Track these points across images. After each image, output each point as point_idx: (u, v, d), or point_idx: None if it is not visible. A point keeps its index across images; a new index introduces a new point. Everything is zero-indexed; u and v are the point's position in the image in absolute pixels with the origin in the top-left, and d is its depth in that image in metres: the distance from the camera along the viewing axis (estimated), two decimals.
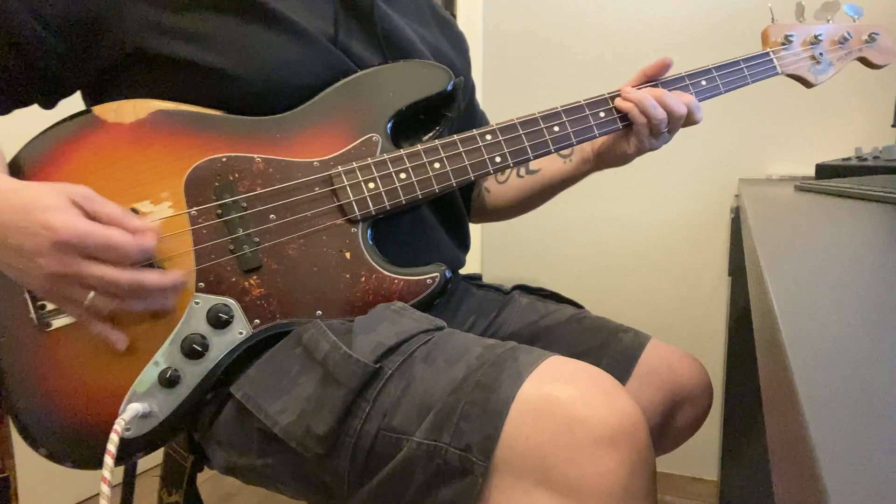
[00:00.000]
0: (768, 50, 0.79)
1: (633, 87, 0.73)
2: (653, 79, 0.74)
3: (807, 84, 0.81)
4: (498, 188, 0.90)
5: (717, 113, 1.38)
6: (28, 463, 0.71)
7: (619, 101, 0.72)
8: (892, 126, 1.10)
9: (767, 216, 0.54)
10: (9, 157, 0.59)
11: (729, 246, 1.38)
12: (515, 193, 0.89)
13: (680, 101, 0.71)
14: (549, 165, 0.85)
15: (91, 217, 0.52)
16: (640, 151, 0.74)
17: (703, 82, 0.76)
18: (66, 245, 0.50)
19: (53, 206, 0.50)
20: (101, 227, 0.51)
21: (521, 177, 0.88)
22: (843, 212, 0.54)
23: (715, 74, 0.76)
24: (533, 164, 0.87)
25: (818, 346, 0.21)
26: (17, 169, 0.58)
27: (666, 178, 1.46)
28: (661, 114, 0.70)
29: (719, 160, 1.41)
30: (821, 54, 0.80)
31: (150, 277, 0.54)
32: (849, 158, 1.00)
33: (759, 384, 0.26)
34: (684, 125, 0.74)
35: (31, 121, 0.66)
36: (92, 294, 0.52)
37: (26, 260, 0.51)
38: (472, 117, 0.91)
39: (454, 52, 0.83)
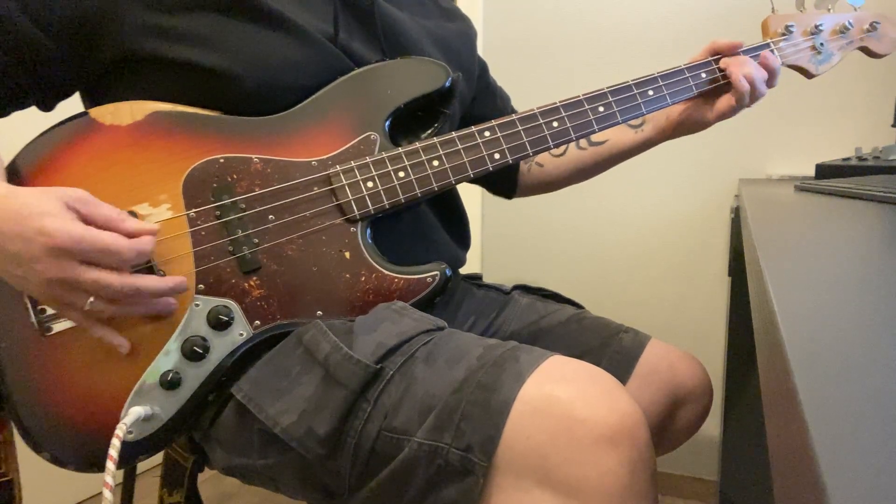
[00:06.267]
0: (768, 41, 0.78)
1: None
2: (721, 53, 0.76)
3: (807, 75, 0.80)
4: (553, 162, 0.91)
5: None
6: (28, 462, 0.71)
7: (724, 62, 0.75)
8: (892, 126, 1.10)
9: (767, 216, 0.54)
10: (7, 159, 0.59)
11: (729, 246, 1.38)
12: (573, 165, 0.90)
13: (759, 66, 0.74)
14: (618, 136, 0.85)
15: (87, 221, 0.51)
16: (721, 117, 0.77)
17: (703, 74, 0.75)
18: (62, 250, 0.49)
19: (48, 210, 0.50)
20: (96, 232, 0.51)
21: (583, 149, 0.88)
22: (843, 212, 0.54)
23: (715, 66, 0.76)
24: (598, 136, 0.86)
25: (818, 346, 0.21)
26: (14, 174, 0.58)
27: (666, 178, 1.46)
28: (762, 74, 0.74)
29: (719, 160, 1.41)
30: (822, 44, 0.79)
31: (148, 282, 0.54)
32: (849, 158, 1.00)
33: (759, 384, 0.26)
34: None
35: (30, 122, 0.66)
36: (91, 299, 0.52)
37: (25, 266, 0.50)
38: (491, 95, 0.92)
39: (459, 40, 0.82)
